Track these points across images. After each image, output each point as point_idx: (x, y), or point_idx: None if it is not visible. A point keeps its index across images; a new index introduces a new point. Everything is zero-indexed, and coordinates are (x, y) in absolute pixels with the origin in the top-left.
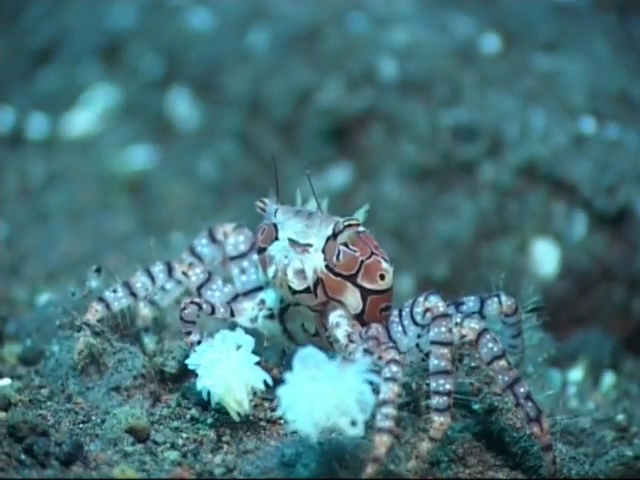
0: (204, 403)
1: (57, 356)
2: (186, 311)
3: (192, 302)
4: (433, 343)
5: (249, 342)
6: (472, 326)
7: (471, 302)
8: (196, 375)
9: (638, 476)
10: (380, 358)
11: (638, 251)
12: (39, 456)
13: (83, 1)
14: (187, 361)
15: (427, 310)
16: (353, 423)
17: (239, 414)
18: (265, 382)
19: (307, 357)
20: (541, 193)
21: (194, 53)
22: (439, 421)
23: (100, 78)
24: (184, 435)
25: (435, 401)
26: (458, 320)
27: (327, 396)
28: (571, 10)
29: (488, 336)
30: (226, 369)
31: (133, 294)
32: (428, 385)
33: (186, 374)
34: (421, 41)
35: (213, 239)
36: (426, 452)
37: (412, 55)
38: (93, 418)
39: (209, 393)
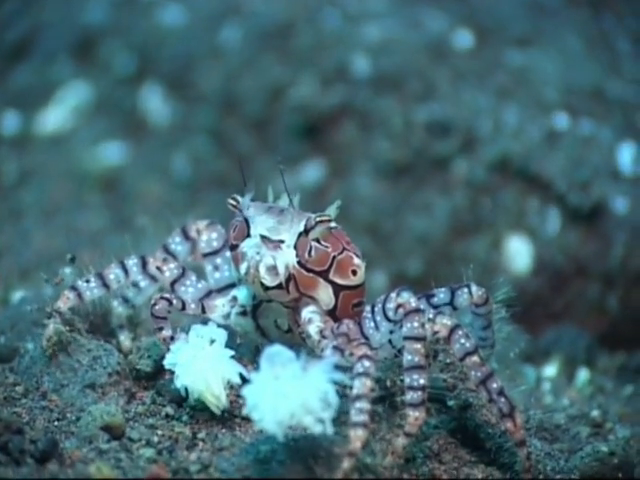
0: (179, 400)
1: (31, 353)
2: (157, 307)
3: (162, 297)
4: (406, 339)
5: (222, 335)
6: (444, 322)
7: (442, 294)
8: (173, 374)
9: (613, 472)
10: (352, 354)
11: (612, 247)
12: (14, 454)
13: None
14: (164, 362)
15: (399, 306)
16: (318, 421)
17: (218, 407)
18: (241, 375)
19: (274, 355)
20: (515, 189)
21: (167, 50)
22: (414, 416)
23: (73, 75)
24: (159, 432)
25: (409, 396)
26: (430, 316)
27: (290, 396)
28: (544, 6)
29: (460, 332)
30: (203, 366)
31: (106, 285)
32: (402, 381)
33: (161, 372)
34: (394, 37)
35: (186, 237)
36: (401, 447)
37: (385, 51)
38: (68, 415)
39: (187, 390)
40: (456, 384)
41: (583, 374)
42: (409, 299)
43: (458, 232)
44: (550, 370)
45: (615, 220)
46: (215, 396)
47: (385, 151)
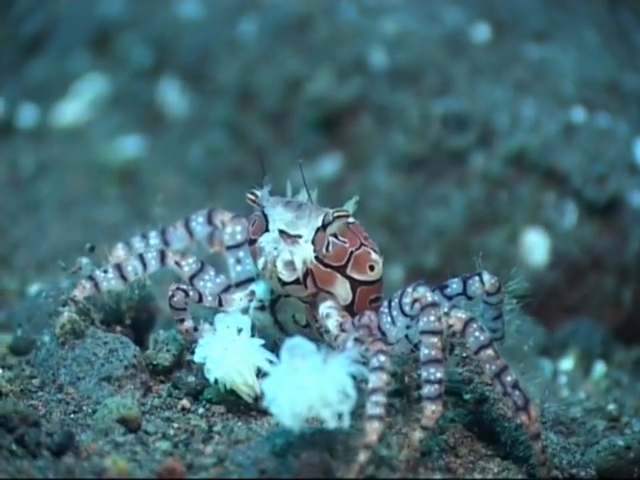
0: (195, 393)
1: (48, 346)
2: (175, 298)
3: (179, 288)
4: (423, 333)
5: (247, 323)
6: (459, 316)
7: (454, 284)
8: (203, 366)
9: (629, 466)
10: (367, 350)
11: (628, 240)
12: (30, 446)
13: None
14: (194, 357)
15: (415, 300)
16: (336, 415)
17: (250, 396)
18: (270, 361)
19: (294, 347)
20: (531, 183)
21: (184, 42)
22: (431, 409)
23: (90, 68)
24: (175, 425)
25: (427, 390)
26: (446, 310)
27: (309, 388)
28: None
29: (475, 325)
30: (235, 358)
31: (123, 277)
32: (419, 375)
33: (178, 365)
34: (411, 31)
35: (210, 221)
36: (418, 441)
37: (402, 45)
38: (84, 408)
39: (218, 382)
40: (472, 378)
41: (599, 367)
42: (425, 293)
43: (475, 225)
44: (566, 363)
45: (631, 214)
46: (249, 386)
47: (402, 144)
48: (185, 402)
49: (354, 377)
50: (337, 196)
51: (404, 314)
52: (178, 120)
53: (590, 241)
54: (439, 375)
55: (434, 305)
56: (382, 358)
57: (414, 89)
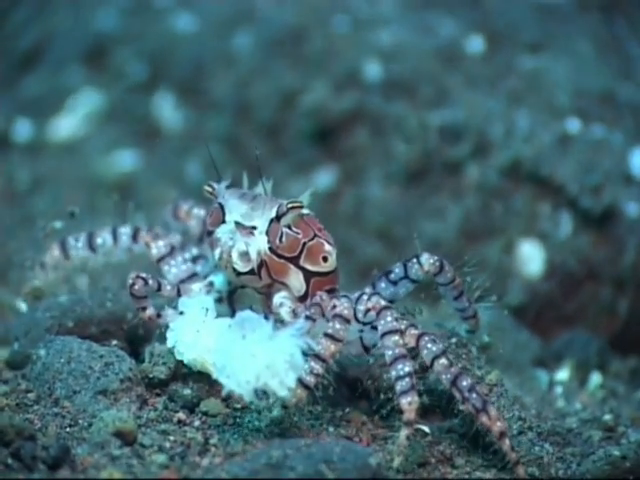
0: (191, 406)
1: (44, 360)
2: (135, 287)
3: (138, 277)
4: (383, 335)
5: (211, 302)
6: (412, 333)
7: (397, 268)
8: (174, 348)
9: (625, 476)
10: (325, 310)
11: (624, 250)
12: (26, 460)
13: (68, 6)
14: (168, 343)
15: (369, 310)
16: (284, 385)
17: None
18: None
19: (245, 320)
20: (526, 193)
21: (179, 56)
22: (407, 401)
23: (85, 82)
24: (171, 438)
25: (399, 386)
26: (402, 327)
27: (257, 356)
28: (555, 10)
29: (427, 338)
30: (207, 339)
31: (92, 248)
32: (389, 378)
33: (173, 377)
34: (405, 42)
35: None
36: (405, 438)
37: (397, 56)
38: (80, 422)
39: (189, 364)
40: None
41: (595, 378)
42: (378, 301)
43: (470, 237)
44: (562, 374)
45: (627, 224)
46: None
47: (397, 156)
48: (181, 415)
49: (303, 349)
50: (333, 208)
51: (357, 320)
52: (174, 134)
53: (585, 252)
54: (407, 369)
55: (388, 307)
56: (337, 325)
57: (409, 101)
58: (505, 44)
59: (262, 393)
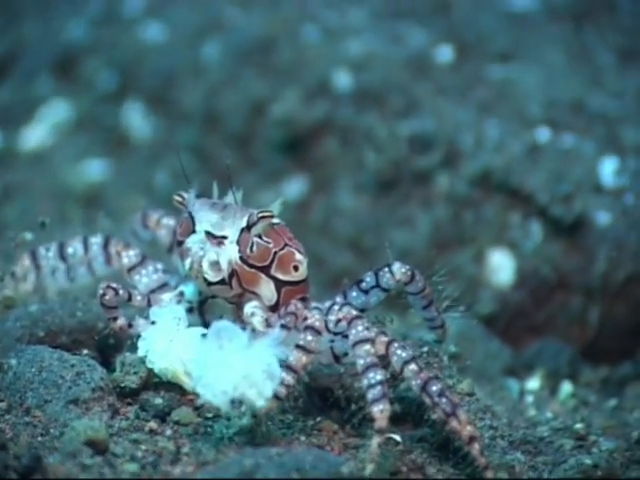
0: (163, 415)
1: (15, 369)
2: (106, 297)
3: (109, 287)
4: (355, 344)
5: (182, 312)
6: (382, 340)
7: (368, 277)
8: (145, 357)
9: None
10: (298, 319)
11: (594, 260)
12: None
13: (37, 16)
14: (139, 352)
15: (340, 320)
16: (261, 395)
17: (191, 386)
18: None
19: (221, 330)
20: (497, 203)
21: (148, 66)
22: (378, 409)
23: (55, 92)
24: (143, 447)
25: (370, 394)
26: (372, 335)
27: (234, 367)
28: (525, 20)
29: (396, 344)
30: (179, 348)
31: (63, 258)
32: (361, 387)
33: (145, 387)
34: (375, 52)
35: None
36: (377, 447)
37: (366, 66)
38: (52, 431)
39: (160, 373)
40: None
41: (566, 387)
42: (350, 311)
43: (440, 246)
44: (533, 383)
45: (597, 233)
46: (190, 375)
47: (367, 166)
48: (153, 424)
49: (280, 359)
50: (303, 218)
51: (328, 330)
52: (143, 143)
53: (556, 261)
54: (379, 377)
55: (359, 317)
56: (309, 337)
57: (379, 110)
58: (475, 54)
59: (238, 403)
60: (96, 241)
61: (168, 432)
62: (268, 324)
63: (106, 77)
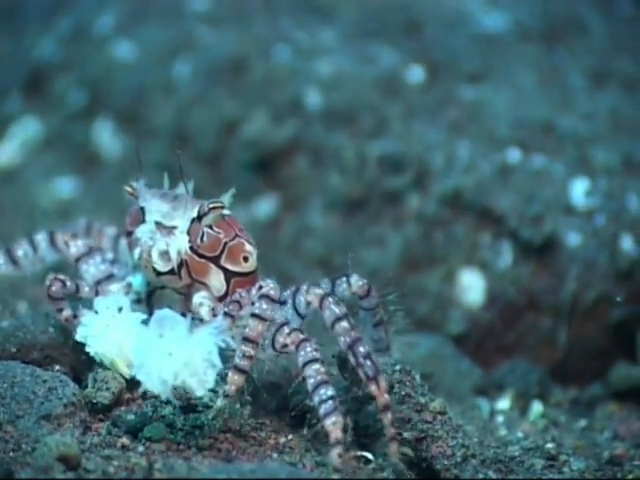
0: (135, 431)
1: None
2: (53, 288)
3: (56, 279)
4: (304, 365)
5: (127, 302)
6: (316, 292)
7: (324, 284)
8: (84, 345)
9: None
10: (243, 308)
11: (564, 281)
12: None
13: (7, 34)
14: (76, 336)
15: (287, 345)
16: (202, 383)
17: (128, 373)
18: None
19: (162, 318)
20: (467, 223)
21: (118, 84)
22: (331, 422)
23: (25, 110)
24: (115, 463)
25: (322, 410)
26: (305, 287)
27: (175, 354)
28: (495, 40)
29: (330, 299)
30: (117, 334)
31: (15, 262)
32: (314, 405)
33: (117, 403)
34: (346, 72)
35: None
36: (337, 457)
37: (337, 86)
38: (23, 446)
39: (98, 358)
40: (411, 416)
41: (536, 407)
42: (297, 335)
43: (410, 266)
44: (503, 403)
45: (567, 254)
46: (127, 362)
47: (338, 185)
48: (125, 440)
49: (221, 348)
50: (273, 237)
51: (274, 349)
52: (113, 161)
53: (526, 281)
54: (330, 393)
55: (307, 340)
56: (264, 305)
57: (349, 130)
58: (445, 74)
59: (183, 391)
60: (42, 237)
61: (140, 448)
62: (214, 314)
63: (76, 95)
